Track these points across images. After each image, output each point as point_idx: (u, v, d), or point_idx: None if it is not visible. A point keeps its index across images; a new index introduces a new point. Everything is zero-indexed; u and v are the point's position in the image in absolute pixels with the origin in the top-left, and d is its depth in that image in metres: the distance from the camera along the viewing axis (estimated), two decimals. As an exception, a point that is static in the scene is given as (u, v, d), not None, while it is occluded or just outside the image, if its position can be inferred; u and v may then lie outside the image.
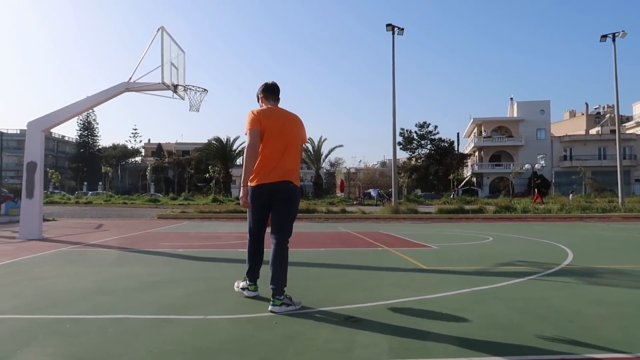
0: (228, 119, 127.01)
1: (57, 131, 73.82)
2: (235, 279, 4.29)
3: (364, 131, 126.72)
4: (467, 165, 61.24)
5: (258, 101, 3.96)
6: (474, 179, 58.50)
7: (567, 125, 69.77)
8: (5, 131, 20.83)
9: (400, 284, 4.62)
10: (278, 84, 3.92)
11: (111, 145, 73.38)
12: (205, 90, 10.76)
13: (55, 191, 49.31)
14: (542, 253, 7.28)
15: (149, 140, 77.14)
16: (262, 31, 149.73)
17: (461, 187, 52.09)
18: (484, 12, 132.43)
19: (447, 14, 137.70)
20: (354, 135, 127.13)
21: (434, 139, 59.53)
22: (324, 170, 58.85)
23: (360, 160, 75.77)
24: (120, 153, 70.38)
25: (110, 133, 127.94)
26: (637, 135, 57.46)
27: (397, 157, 27.98)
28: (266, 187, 3.60)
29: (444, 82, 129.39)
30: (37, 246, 7.89)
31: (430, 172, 56.58)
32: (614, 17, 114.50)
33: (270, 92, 3.87)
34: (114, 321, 3.18)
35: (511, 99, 63.42)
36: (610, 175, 45.69)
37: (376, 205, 32.39)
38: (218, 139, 49.77)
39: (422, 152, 60.23)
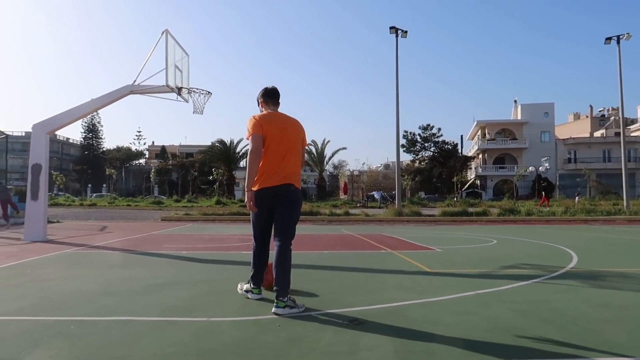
0: (231, 122, 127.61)
1: (62, 133, 74.35)
2: (238, 281, 4.29)
3: (368, 133, 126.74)
4: (470, 168, 61.09)
5: (258, 105, 3.98)
6: (478, 182, 58.33)
7: (572, 127, 69.49)
8: (10, 133, 20.92)
9: (404, 287, 4.61)
10: (278, 89, 3.95)
11: (115, 147, 73.70)
12: (209, 92, 10.79)
13: (60, 193, 49.44)
14: (546, 256, 7.25)
15: (153, 142, 77.38)
16: (267, 35, 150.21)
17: (465, 190, 51.94)
18: (487, 14, 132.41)
19: (450, 16, 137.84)
20: (357, 138, 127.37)
21: (438, 142, 59.41)
22: (328, 173, 58.78)
23: (364, 163, 75.99)
24: (125, 155, 70.60)
25: (115, 135, 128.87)
26: (642, 137, 57.17)
27: (401, 160, 27.95)
28: (268, 190, 3.63)
29: (448, 85, 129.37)
30: (41, 248, 7.92)
31: (433, 175, 56.45)
32: (619, 19, 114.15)
33: (270, 96, 3.90)
34: (117, 323, 3.19)
35: (515, 101, 63.33)
36: (615, 178, 45.34)
37: (379, 207, 32.36)
38: (222, 141, 49.82)
39: (426, 154, 60.12)
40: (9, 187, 16.67)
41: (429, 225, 16.27)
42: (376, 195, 43.77)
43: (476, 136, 64.39)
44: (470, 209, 22.48)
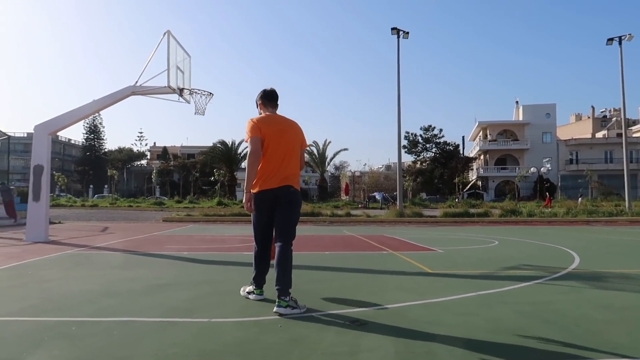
0: (233, 122, 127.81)
1: (64, 134, 74.45)
2: (240, 281, 4.29)
3: (369, 134, 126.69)
4: (472, 169, 61.04)
5: (257, 107, 3.99)
6: (479, 183, 58.30)
7: (573, 128, 69.40)
8: (12, 134, 20.95)
9: (406, 288, 4.61)
10: (276, 91, 3.96)
11: (117, 148, 73.75)
12: (210, 93, 10.81)
13: (62, 194, 49.59)
14: (548, 257, 7.24)
15: (155, 143, 77.48)
16: (268, 36, 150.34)
17: (466, 191, 51.93)
18: (488, 15, 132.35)
19: (450, 16, 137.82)
20: (358, 139, 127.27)
21: (439, 143, 59.42)
22: (329, 174, 58.82)
23: (365, 164, 75.58)
24: (126, 156, 70.69)
25: (116, 136, 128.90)
26: (644, 138, 57.08)
27: (402, 161, 27.94)
28: (268, 192, 3.64)
29: (449, 85, 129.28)
30: (43, 249, 7.93)
31: (435, 176, 56.45)
32: (621, 20, 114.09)
33: (268, 98, 3.91)
34: (119, 324, 3.19)
35: (517, 102, 63.24)
36: (616, 179, 45.36)
37: (381, 208, 32.38)
38: (223, 142, 49.90)
39: (427, 155, 60.12)
40: (11, 187, 16.74)
41: (431, 226, 16.26)
42: (377, 196, 43.81)
43: (477, 137, 64.33)
44: (472, 210, 22.48)
